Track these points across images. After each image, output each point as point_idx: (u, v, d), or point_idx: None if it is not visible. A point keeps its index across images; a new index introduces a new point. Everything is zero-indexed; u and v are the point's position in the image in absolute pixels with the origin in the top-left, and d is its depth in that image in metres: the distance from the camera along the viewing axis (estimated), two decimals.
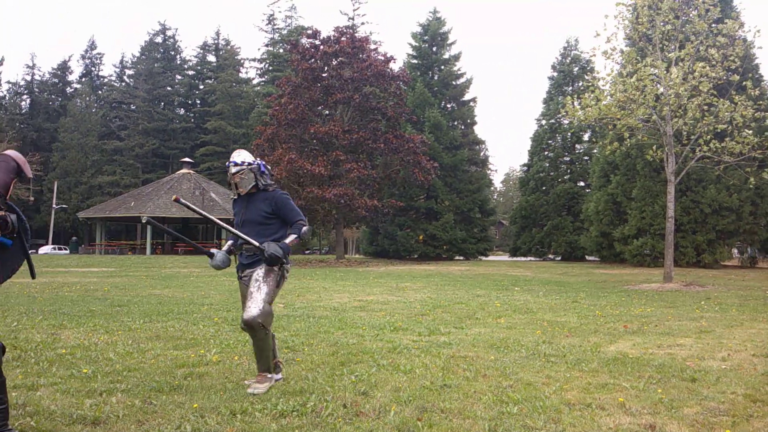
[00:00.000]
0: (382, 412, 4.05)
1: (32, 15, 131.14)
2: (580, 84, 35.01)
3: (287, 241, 4.62)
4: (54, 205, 53.96)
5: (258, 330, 4.44)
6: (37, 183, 55.77)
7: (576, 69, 38.76)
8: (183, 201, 4.39)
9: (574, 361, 5.77)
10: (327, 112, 33.47)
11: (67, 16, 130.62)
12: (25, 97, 71.13)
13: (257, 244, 4.55)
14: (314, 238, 65.40)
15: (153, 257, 36.46)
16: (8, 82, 71.08)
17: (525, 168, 41.41)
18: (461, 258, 36.95)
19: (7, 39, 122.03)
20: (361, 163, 30.48)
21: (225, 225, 4.76)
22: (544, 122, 39.28)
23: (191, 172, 50.31)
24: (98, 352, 5.98)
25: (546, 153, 38.87)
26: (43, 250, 49.07)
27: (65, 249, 49.65)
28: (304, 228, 4.67)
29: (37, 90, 71.37)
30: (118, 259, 33.96)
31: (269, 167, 4.91)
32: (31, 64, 74.55)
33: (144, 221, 4.63)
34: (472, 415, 4.01)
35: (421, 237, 35.18)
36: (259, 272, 4.62)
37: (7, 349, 5.92)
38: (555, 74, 39.78)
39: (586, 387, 4.79)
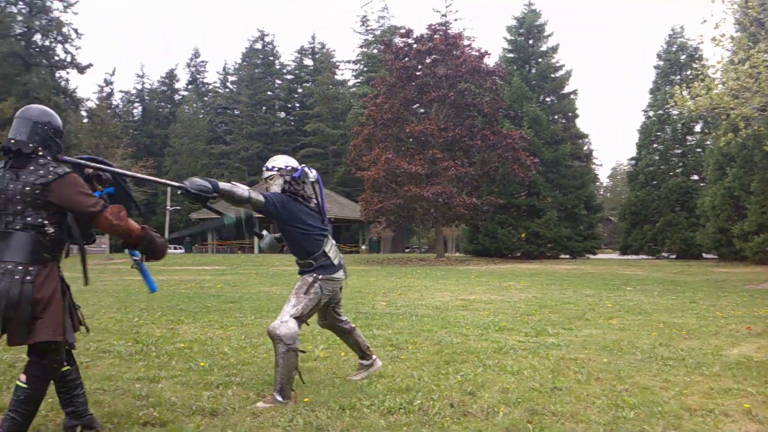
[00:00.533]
0: (491, 413, 3.99)
1: (140, 27, 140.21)
2: (689, 73, 33.13)
3: (224, 184, 4.10)
4: (168, 207, 57.27)
5: (276, 342, 4.20)
6: (151, 186, 59.19)
7: (683, 57, 36.66)
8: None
9: (694, 364, 5.47)
10: (422, 110, 33.46)
11: (171, 27, 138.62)
12: (137, 105, 75.68)
13: (178, 184, 4.03)
14: (413, 237, 65.64)
15: (261, 256, 37.92)
16: (121, 91, 76.10)
17: (633, 162, 39.62)
18: (567, 256, 35.88)
19: (119, 51, 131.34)
20: (458, 160, 30.23)
21: (149, 177, 4.52)
22: (651, 113, 37.42)
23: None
24: (214, 346, 6.26)
25: (655, 145, 37.00)
26: None
27: (180, 248, 52.47)
28: (253, 195, 4.20)
29: (147, 98, 75.84)
30: (228, 258, 35.61)
31: (312, 175, 4.57)
32: (141, 74, 79.62)
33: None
34: (585, 419, 3.88)
35: (523, 235, 34.39)
36: (296, 284, 4.49)
37: (130, 343, 6.36)
38: (661, 63, 37.80)
39: (708, 392, 4.53)
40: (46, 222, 3.21)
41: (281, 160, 4.60)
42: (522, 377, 4.95)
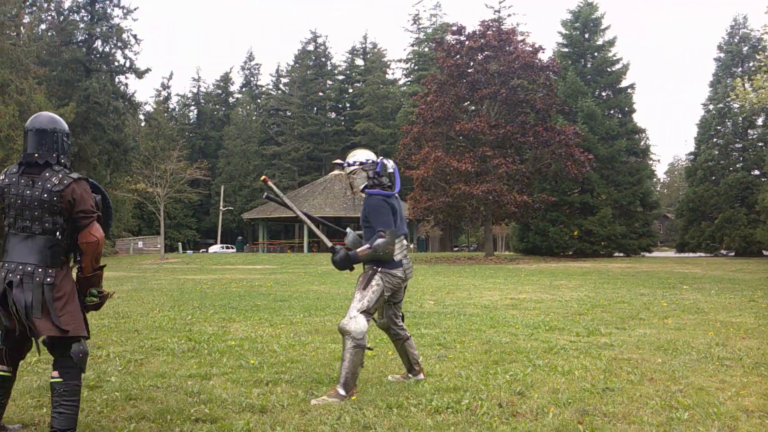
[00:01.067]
0: (540, 413, 3.93)
1: (196, 31, 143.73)
2: (751, 64, 32.04)
3: (359, 250, 4.43)
4: (221, 208, 58.59)
5: (345, 338, 4.30)
6: (205, 187, 60.69)
7: (746, 48, 35.38)
8: (270, 184, 4.40)
9: (752, 364, 5.30)
10: (473, 108, 33.13)
11: (227, 31, 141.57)
12: (192, 108, 77.54)
13: (330, 244, 4.51)
14: (462, 235, 65.23)
15: (309, 255, 38.35)
16: (177, 95, 78.02)
17: (691, 157, 38.45)
18: (621, 254, 35.03)
19: (175, 55, 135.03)
20: (509, 158, 29.83)
21: (308, 221, 4.73)
22: (711, 107, 36.23)
23: (343, 173, 52.17)
24: (264, 344, 6.36)
25: (715, 140, 35.81)
26: (212, 249, 53.41)
27: (232, 248, 53.53)
28: (379, 241, 4.36)
29: (203, 101, 77.67)
30: (278, 257, 36.13)
31: (390, 166, 4.67)
32: (196, 77, 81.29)
33: (264, 197, 4.72)
34: (638, 420, 3.79)
35: (576, 233, 33.73)
36: (358, 279, 4.55)
37: (182, 341, 6.51)
38: (722, 55, 36.57)
39: (766, 393, 4.38)
40: (63, 227, 3.33)
41: (361, 155, 4.70)
42: (573, 377, 4.86)
